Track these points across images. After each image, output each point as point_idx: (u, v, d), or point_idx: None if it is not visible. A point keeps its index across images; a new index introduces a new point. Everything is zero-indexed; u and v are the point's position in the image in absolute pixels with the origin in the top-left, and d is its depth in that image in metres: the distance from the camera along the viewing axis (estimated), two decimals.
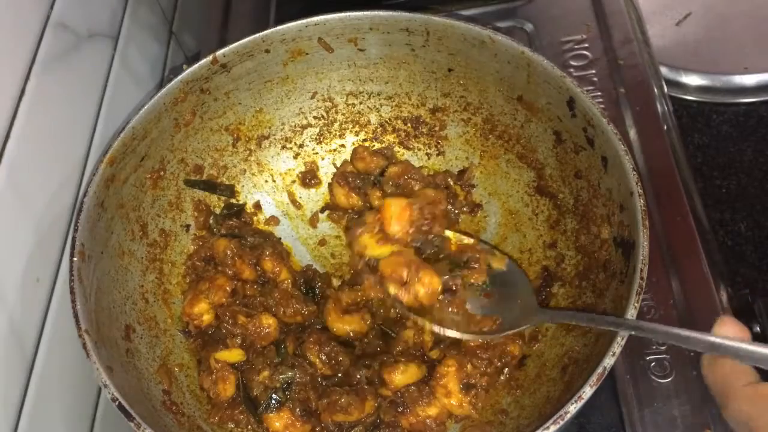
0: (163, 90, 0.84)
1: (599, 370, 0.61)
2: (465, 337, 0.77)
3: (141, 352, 0.78)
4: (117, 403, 0.64)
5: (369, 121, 0.98)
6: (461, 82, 0.90)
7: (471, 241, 0.84)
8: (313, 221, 0.96)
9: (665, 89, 1.05)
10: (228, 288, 0.84)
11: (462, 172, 0.94)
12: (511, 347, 0.78)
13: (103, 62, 0.95)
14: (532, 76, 0.82)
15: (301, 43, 0.89)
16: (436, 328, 0.77)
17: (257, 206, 0.96)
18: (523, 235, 0.89)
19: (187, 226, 0.91)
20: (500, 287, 0.80)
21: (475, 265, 0.81)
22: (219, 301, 0.83)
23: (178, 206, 0.90)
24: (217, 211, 0.94)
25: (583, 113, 0.77)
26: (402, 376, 0.76)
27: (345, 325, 0.81)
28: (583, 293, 0.79)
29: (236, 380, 0.79)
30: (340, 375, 0.80)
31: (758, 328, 0.84)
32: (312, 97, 0.96)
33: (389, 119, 0.97)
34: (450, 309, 0.78)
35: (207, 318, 0.83)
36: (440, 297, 0.78)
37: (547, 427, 0.60)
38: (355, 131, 0.99)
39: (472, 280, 0.80)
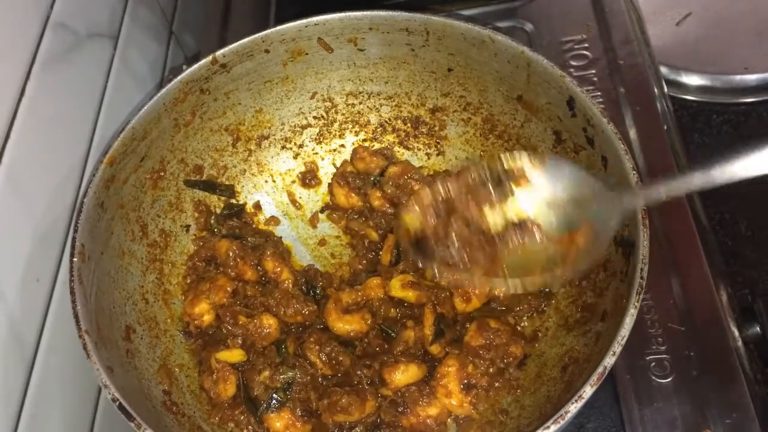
0: (163, 90, 0.84)
1: (600, 369, 0.61)
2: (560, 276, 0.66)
3: (141, 352, 0.78)
4: (117, 403, 0.64)
5: (369, 121, 0.98)
6: (461, 81, 0.90)
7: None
8: (313, 221, 0.96)
9: (665, 89, 1.05)
10: (229, 288, 0.84)
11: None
12: (513, 348, 0.78)
13: (103, 62, 0.95)
14: (532, 76, 0.82)
15: (300, 43, 0.89)
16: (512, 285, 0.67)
17: (257, 206, 0.96)
18: None
19: (187, 227, 0.91)
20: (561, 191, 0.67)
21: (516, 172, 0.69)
22: (220, 302, 0.83)
23: (178, 207, 0.90)
24: (218, 211, 0.94)
25: (582, 113, 0.77)
26: (402, 375, 0.76)
27: (345, 325, 0.81)
28: (584, 292, 0.79)
29: (237, 380, 0.79)
30: (340, 375, 0.80)
31: (758, 328, 0.84)
32: (312, 97, 0.96)
33: (389, 119, 0.97)
34: (519, 242, 0.67)
35: (207, 318, 0.83)
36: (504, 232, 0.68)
37: (548, 427, 0.60)
38: (355, 131, 0.99)
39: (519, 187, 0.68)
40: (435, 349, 0.79)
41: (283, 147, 0.98)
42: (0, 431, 0.68)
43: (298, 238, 0.96)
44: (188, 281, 0.88)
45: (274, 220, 0.96)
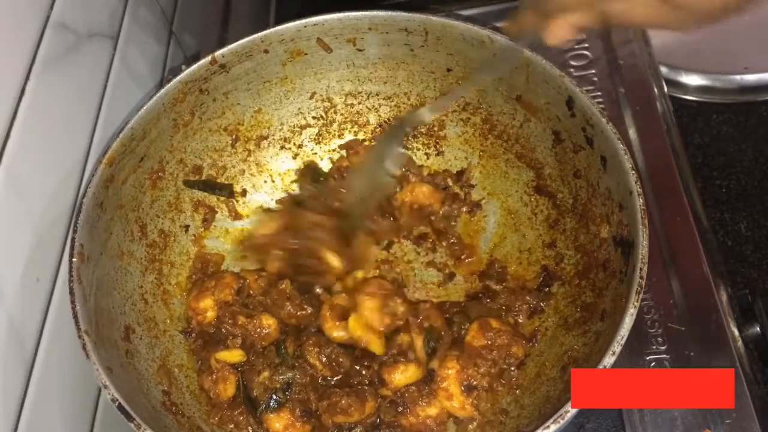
0: (162, 90, 0.84)
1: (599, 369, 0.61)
2: None
3: (140, 352, 0.78)
4: (117, 403, 0.64)
5: (368, 121, 0.98)
6: (460, 82, 0.90)
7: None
8: None
9: (665, 89, 1.04)
10: (234, 286, 0.84)
11: (461, 172, 0.94)
12: (515, 348, 0.77)
13: (103, 62, 0.95)
14: (531, 76, 0.82)
15: (299, 43, 0.89)
16: None
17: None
18: (523, 235, 0.89)
19: (187, 227, 0.91)
20: None
21: None
22: (225, 299, 0.83)
23: (177, 207, 0.90)
24: (218, 211, 0.94)
25: (582, 113, 0.77)
26: (401, 376, 0.76)
27: (341, 332, 0.80)
28: (583, 292, 0.78)
29: (236, 381, 0.79)
30: (340, 375, 0.79)
31: (758, 328, 0.84)
32: (311, 98, 0.96)
33: (388, 119, 0.97)
34: None
35: (211, 314, 0.83)
36: None
37: (548, 427, 0.60)
38: (354, 131, 0.99)
39: None
40: (434, 364, 0.78)
41: (282, 147, 0.98)
42: (0, 431, 0.68)
43: None
44: (193, 278, 0.88)
45: None
